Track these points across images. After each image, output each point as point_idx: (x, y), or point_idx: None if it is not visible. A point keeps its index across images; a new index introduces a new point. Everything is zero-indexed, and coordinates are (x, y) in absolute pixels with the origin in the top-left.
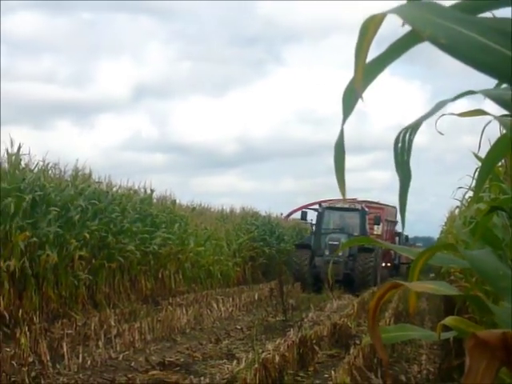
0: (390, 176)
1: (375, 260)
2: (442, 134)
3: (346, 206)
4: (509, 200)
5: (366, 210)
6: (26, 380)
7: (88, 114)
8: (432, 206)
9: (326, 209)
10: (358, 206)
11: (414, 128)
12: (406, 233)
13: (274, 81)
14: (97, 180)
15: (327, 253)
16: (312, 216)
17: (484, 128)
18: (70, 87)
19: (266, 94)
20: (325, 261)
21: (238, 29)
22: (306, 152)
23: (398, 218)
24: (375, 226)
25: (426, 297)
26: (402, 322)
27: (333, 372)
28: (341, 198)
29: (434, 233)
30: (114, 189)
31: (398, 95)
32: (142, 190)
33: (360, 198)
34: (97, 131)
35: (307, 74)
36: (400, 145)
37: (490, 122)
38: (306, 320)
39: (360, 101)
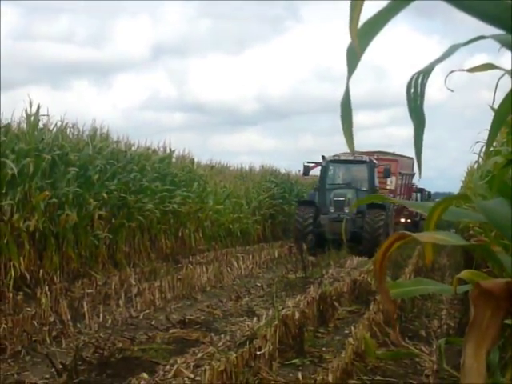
0: (410, 131)
1: (386, 217)
2: (451, 91)
3: (352, 158)
4: None
5: (375, 161)
6: (47, 339)
7: (106, 74)
8: (453, 162)
9: (329, 162)
10: (366, 158)
11: (426, 72)
12: (428, 189)
13: (292, 38)
14: (115, 140)
15: (332, 210)
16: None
17: (498, 81)
18: (88, 47)
19: (285, 51)
20: (330, 218)
21: None
22: (325, 109)
23: (416, 169)
24: (388, 180)
25: (447, 253)
26: (422, 277)
27: (353, 328)
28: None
29: (455, 188)
30: (133, 148)
31: (418, 50)
32: (161, 150)
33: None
34: (115, 91)
35: (325, 31)
36: (413, 90)
37: (503, 75)
38: (325, 276)
39: (363, 57)
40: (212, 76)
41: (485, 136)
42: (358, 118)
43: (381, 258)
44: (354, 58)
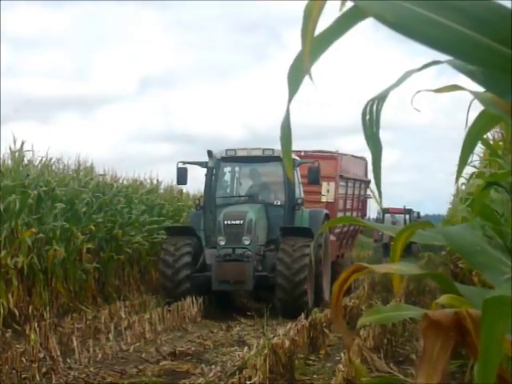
0: (398, 155)
1: (315, 249)
2: (418, 111)
3: (258, 153)
4: (506, 175)
5: (297, 158)
6: (37, 376)
7: (92, 108)
8: (442, 183)
9: (221, 161)
10: (280, 153)
11: (380, 99)
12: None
13: (276, 65)
14: (101, 173)
15: (223, 242)
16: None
17: (470, 103)
18: (74, 81)
19: (270, 77)
20: (219, 256)
21: (238, 15)
22: (312, 135)
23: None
24: (323, 188)
25: None
26: (412, 301)
27: (343, 354)
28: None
29: (444, 210)
30: (120, 181)
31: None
32: (148, 181)
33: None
34: (102, 124)
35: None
36: (368, 117)
37: (474, 98)
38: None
39: (309, 79)
40: (198, 106)
41: (471, 158)
42: (342, 143)
43: (338, 292)
44: (295, 80)
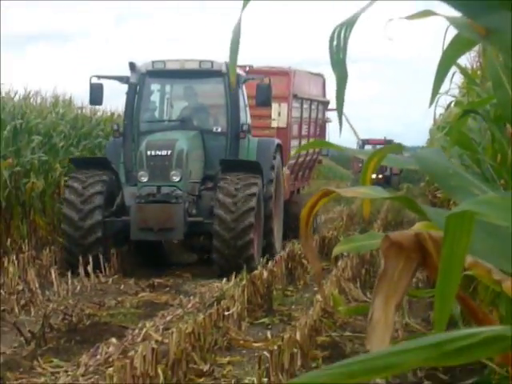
0: (380, 87)
1: (263, 187)
2: (391, 40)
3: (195, 65)
4: (484, 103)
5: (242, 73)
6: (16, 308)
7: (69, 41)
8: (424, 115)
9: (146, 75)
10: (221, 67)
11: (349, 24)
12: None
13: None
14: (79, 106)
15: (145, 178)
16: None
17: (447, 29)
18: (51, 14)
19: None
20: (140, 196)
21: None
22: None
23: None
24: (273, 111)
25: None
26: (391, 231)
27: None
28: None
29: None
30: (98, 113)
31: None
32: None
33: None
34: (81, 57)
35: None
36: (335, 43)
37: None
38: None
39: None
40: (178, 37)
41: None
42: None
43: (306, 217)
44: None
